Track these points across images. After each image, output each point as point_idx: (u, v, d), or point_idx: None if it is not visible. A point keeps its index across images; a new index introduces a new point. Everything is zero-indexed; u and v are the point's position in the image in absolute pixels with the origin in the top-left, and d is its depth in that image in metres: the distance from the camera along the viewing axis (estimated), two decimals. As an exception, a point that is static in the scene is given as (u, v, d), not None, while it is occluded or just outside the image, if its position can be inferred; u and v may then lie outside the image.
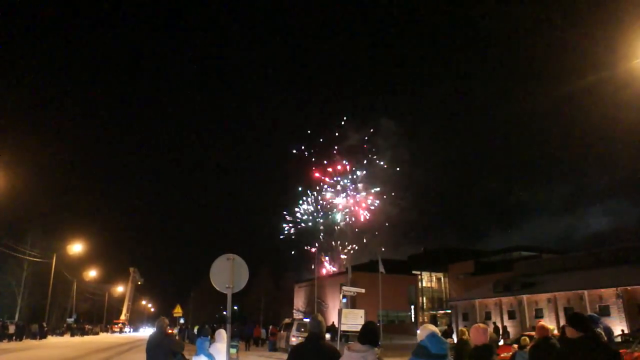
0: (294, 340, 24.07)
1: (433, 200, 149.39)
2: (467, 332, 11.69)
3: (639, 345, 13.98)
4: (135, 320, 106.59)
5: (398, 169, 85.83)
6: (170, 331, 8.12)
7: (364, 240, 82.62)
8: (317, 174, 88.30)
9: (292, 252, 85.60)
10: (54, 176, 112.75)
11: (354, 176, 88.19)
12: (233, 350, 18.81)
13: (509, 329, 34.66)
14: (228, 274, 8.20)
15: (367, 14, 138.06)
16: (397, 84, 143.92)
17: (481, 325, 4.79)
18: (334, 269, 78.90)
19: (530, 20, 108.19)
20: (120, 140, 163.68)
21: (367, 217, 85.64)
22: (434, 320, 56.78)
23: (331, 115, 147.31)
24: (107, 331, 73.41)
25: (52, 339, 43.43)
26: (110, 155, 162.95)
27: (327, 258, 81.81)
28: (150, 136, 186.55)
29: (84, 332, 57.72)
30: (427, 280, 65.25)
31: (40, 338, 41.17)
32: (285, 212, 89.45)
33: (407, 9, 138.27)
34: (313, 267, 47.65)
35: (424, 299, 63.72)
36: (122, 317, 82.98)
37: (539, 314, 34.97)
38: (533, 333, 10.86)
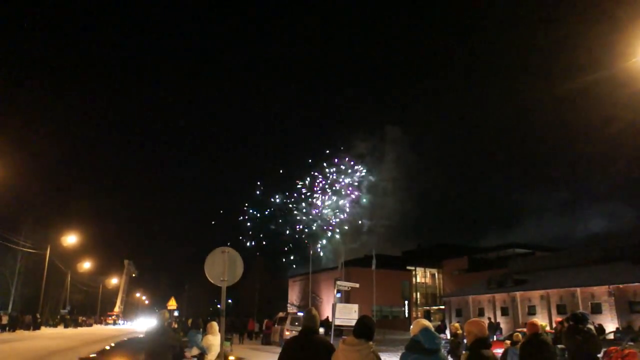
0: (287, 334, 24.14)
1: (430, 197, 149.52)
2: (459, 328, 11.78)
3: (629, 342, 14.13)
4: (129, 312, 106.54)
5: (397, 168, 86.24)
6: (168, 322, 8.09)
7: (360, 238, 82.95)
8: (316, 174, 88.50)
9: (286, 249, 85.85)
10: (49, 168, 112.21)
11: (354, 175, 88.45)
12: (227, 343, 18.84)
13: (502, 326, 34.91)
14: (222, 267, 8.21)
15: (367, 17, 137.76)
16: (397, 86, 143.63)
17: (478, 319, 4.82)
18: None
19: (528, 20, 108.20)
20: (116, 133, 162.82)
21: (364, 214, 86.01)
22: (427, 316, 57.10)
23: (335, 119, 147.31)
24: (100, 323, 73.37)
25: (45, 330, 43.35)
26: (105, 147, 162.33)
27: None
28: (146, 129, 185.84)
29: (77, 324, 57.65)
30: (422, 276, 65.48)
31: (34, 329, 41.09)
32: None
33: (406, 12, 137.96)
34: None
35: (418, 294, 63.97)
36: (116, 309, 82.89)
37: (531, 311, 35.23)
38: (525, 329, 10.95)
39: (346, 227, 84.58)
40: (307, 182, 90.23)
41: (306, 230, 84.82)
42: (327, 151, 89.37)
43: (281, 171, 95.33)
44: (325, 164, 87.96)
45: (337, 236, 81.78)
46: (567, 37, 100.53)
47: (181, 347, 8.38)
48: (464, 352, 4.46)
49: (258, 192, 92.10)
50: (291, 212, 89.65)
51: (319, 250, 72.54)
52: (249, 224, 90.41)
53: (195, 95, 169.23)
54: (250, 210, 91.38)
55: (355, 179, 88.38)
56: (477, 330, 4.12)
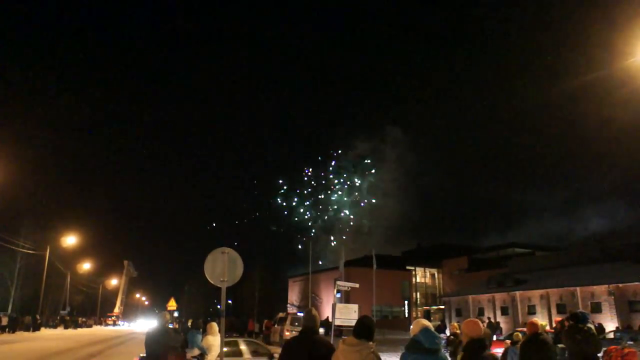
0: (287, 335, 24.14)
1: (430, 197, 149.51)
2: (459, 328, 11.75)
3: (629, 341, 14.13)
4: (129, 313, 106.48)
5: (397, 169, 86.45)
6: (169, 324, 8.08)
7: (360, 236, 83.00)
8: (310, 171, 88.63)
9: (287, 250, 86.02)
10: (48, 168, 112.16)
11: (355, 176, 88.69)
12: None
13: (502, 325, 34.90)
14: (222, 267, 8.19)
15: (369, 20, 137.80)
16: (400, 89, 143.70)
17: (474, 319, 4.83)
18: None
19: (528, 21, 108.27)
20: (115, 133, 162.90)
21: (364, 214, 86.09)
22: (427, 316, 57.05)
23: (335, 120, 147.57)
24: (100, 324, 73.32)
25: (45, 331, 43.31)
26: (104, 148, 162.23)
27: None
28: (145, 129, 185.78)
29: (77, 325, 57.60)
30: (421, 275, 65.45)
31: (34, 330, 41.05)
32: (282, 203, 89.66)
33: (407, 14, 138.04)
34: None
35: (418, 294, 63.93)
36: (116, 310, 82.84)
37: (531, 310, 35.22)
38: (525, 329, 10.94)
39: (353, 227, 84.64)
40: (307, 182, 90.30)
41: (311, 234, 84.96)
42: (333, 151, 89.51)
43: (281, 175, 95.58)
44: (321, 159, 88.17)
45: (342, 237, 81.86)
46: (566, 36, 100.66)
47: (182, 348, 8.36)
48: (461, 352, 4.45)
49: (257, 193, 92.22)
50: (291, 213, 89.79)
51: (320, 256, 72.79)
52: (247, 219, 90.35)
53: (195, 97, 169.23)
54: (251, 210, 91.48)
55: (356, 179, 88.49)
56: (469, 330, 4.14)
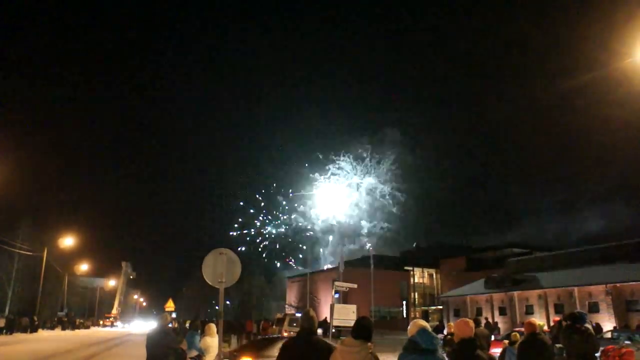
0: (285, 335, 24.12)
1: (428, 197, 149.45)
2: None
3: (626, 341, 14.18)
4: (127, 314, 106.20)
5: (396, 170, 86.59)
6: (170, 325, 8.06)
7: (360, 238, 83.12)
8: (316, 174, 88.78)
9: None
10: (46, 170, 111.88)
11: (354, 177, 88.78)
12: (224, 344, 18.79)
13: (500, 325, 34.93)
14: (220, 268, 8.20)
15: (367, 21, 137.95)
16: (400, 90, 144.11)
17: (465, 319, 4.85)
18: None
19: (526, 21, 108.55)
20: (114, 135, 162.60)
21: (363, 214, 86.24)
22: (425, 316, 57.12)
23: (334, 121, 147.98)
24: (98, 325, 73.11)
25: (42, 333, 43.19)
26: (103, 149, 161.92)
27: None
28: (144, 131, 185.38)
29: (74, 326, 57.45)
30: (419, 276, 65.50)
31: (31, 332, 40.93)
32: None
33: (403, 16, 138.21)
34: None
35: (416, 294, 63.97)
36: (114, 311, 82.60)
37: (529, 310, 35.27)
38: (523, 329, 10.95)
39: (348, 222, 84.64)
40: (306, 181, 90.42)
41: (312, 235, 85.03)
42: (333, 152, 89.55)
43: (280, 176, 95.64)
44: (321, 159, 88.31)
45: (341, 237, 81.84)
46: (563, 37, 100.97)
47: (183, 349, 8.34)
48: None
49: (258, 195, 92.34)
50: (291, 215, 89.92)
51: (321, 252, 72.86)
52: (245, 229, 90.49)
53: (194, 98, 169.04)
54: (251, 211, 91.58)
55: (355, 180, 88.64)
56: (459, 331, 4.18)
